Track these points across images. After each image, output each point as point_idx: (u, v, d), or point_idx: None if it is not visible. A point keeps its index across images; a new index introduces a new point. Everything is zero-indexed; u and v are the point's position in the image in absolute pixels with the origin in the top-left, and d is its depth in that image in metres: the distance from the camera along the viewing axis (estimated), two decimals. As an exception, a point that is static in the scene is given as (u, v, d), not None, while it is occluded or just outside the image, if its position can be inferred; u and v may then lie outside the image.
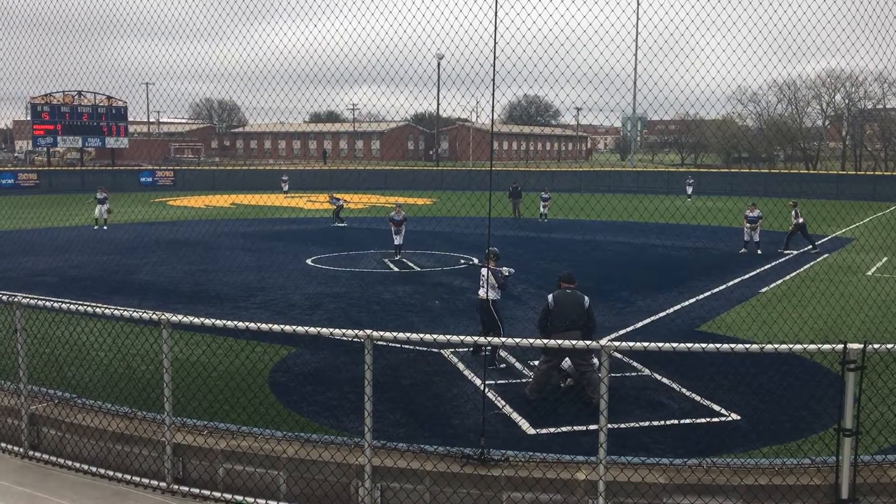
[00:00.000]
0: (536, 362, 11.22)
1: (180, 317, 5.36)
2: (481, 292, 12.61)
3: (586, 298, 10.61)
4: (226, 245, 27.69)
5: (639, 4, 9.68)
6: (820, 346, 6.35)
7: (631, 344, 7.27)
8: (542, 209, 36.69)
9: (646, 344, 6.51)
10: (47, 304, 7.38)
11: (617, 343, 7.10)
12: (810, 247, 25.76)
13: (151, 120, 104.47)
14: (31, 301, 7.65)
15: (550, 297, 10.72)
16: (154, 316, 5.38)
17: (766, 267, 23.03)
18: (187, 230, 31.30)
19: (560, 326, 10.29)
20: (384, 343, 7.32)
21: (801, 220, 26.05)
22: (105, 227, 31.78)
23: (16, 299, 7.62)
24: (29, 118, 60.51)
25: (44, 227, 29.45)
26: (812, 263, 23.62)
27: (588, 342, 8.61)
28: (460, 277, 21.22)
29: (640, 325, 15.47)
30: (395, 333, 6.57)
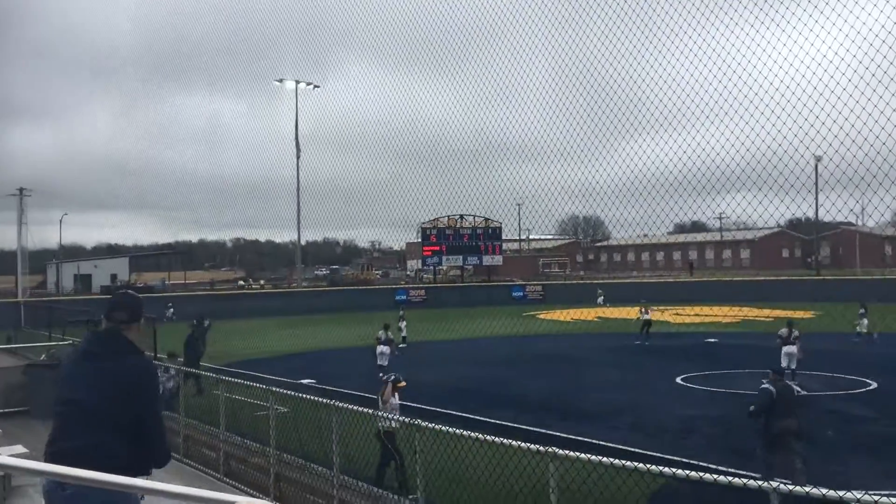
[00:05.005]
0: None
1: (567, 452, 5.23)
2: None
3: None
4: (593, 360, 27.76)
5: None
6: None
7: None
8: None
9: None
10: (440, 427, 7.65)
11: None
12: None
13: (522, 237, 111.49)
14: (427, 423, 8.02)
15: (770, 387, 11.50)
16: (541, 448, 5.33)
17: None
18: (556, 344, 32.16)
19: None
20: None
21: None
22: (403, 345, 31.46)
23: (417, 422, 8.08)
24: (419, 240, 68.25)
25: (432, 341, 32.44)
26: None
27: None
28: (857, 404, 18.62)
29: None
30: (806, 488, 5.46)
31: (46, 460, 4.33)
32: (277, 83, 57.69)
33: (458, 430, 6.48)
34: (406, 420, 8.35)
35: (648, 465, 4.77)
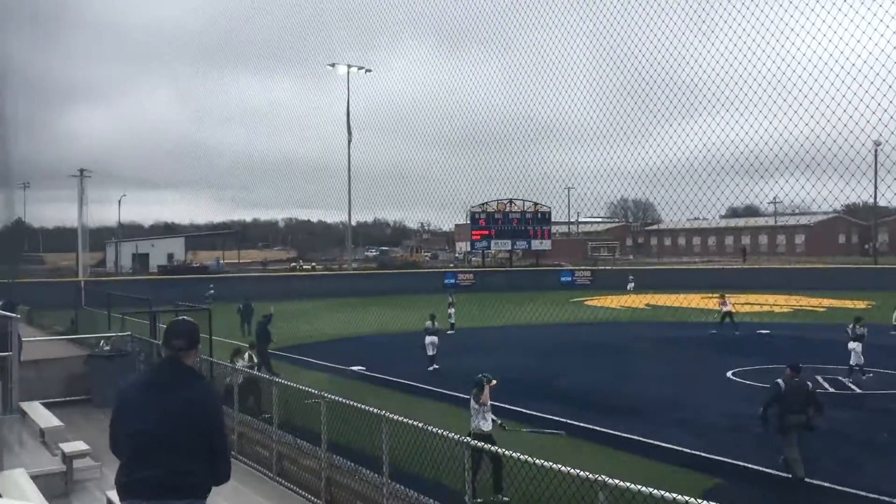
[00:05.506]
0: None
1: (616, 481, 5.26)
2: None
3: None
4: (641, 351, 27.52)
5: None
6: None
7: None
8: None
9: None
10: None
11: None
12: None
13: (571, 220, 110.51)
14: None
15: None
16: (590, 475, 5.36)
17: None
18: (603, 333, 31.95)
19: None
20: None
21: None
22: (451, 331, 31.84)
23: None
24: (468, 222, 68.29)
25: (478, 327, 32.53)
26: None
27: None
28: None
29: None
30: None
31: (119, 490, 4.57)
32: (330, 67, 58.12)
33: (504, 451, 6.55)
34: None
35: (700, 501, 4.76)
